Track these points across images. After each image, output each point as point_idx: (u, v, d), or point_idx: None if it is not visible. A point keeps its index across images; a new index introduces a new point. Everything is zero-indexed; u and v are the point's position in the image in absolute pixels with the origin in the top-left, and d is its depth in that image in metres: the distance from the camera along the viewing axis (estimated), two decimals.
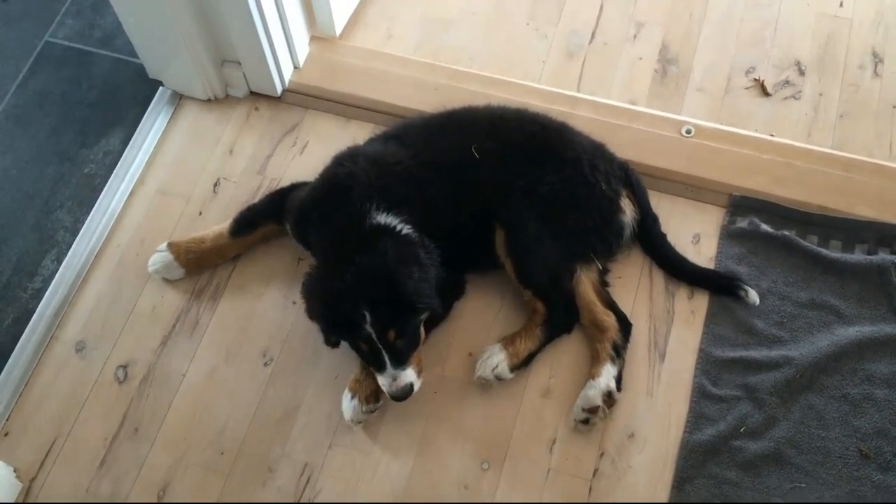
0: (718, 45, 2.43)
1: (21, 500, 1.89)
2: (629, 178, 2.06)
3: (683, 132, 2.23)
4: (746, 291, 2.01)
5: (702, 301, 2.04)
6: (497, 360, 1.91)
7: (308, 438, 1.94)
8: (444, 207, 1.90)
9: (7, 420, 1.99)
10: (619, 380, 1.93)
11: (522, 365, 1.94)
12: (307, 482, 1.89)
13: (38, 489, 1.91)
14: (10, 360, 2.04)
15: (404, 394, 1.80)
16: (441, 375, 1.98)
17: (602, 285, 2.02)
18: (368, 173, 1.89)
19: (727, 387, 1.95)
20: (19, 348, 2.05)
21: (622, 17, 2.48)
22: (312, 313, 1.83)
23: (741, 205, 2.15)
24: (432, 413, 1.95)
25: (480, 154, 1.93)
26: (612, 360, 1.93)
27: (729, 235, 2.12)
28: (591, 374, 1.92)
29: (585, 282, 1.98)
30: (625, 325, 1.98)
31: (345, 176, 1.91)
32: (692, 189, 2.18)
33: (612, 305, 2.00)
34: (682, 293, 2.06)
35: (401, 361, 1.79)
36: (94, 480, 1.91)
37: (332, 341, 1.83)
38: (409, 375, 1.80)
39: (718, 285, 2.05)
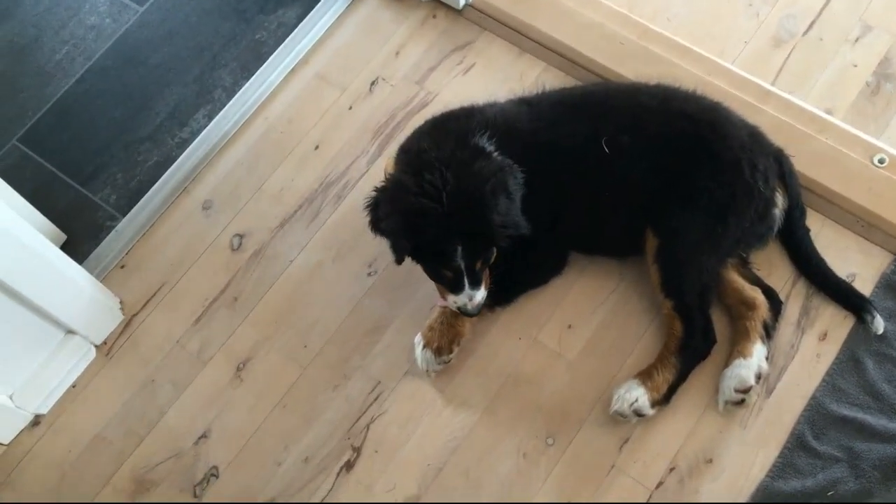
0: None
1: (118, 332, 2.02)
2: (783, 168, 1.89)
3: (875, 161, 1.99)
4: (874, 317, 1.84)
5: (832, 347, 1.86)
6: (636, 394, 1.79)
7: (388, 358, 1.94)
8: (556, 193, 1.82)
9: (127, 254, 2.10)
10: (769, 360, 1.83)
11: (664, 401, 1.82)
12: (375, 399, 1.90)
13: (137, 326, 2.02)
14: (143, 200, 2.14)
15: (478, 310, 1.79)
16: (534, 340, 1.92)
17: (743, 265, 1.91)
18: (496, 119, 1.82)
19: (829, 444, 1.79)
20: (154, 190, 2.15)
21: (849, 14, 2.21)
22: (391, 230, 1.71)
23: None
24: (513, 373, 1.90)
25: (616, 150, 1.79)
26: (762, 340, 1.82)
27: (887, 286, 1.91)
28: (740, 352, 1.81)
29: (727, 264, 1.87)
30: (776, 303, 1.87)
31: (467, 109, 1.88)
32: (863, 225, 1.96)
33: (758, 282, 1.89)
34: (813, 332, 1.88)
35: (478, 283, 1.76)
36: (187, 334, 2.00)
37: (401, 259, 1.75)
38: (482, 293, 1.78)
39: (847, 298, 1.88)
